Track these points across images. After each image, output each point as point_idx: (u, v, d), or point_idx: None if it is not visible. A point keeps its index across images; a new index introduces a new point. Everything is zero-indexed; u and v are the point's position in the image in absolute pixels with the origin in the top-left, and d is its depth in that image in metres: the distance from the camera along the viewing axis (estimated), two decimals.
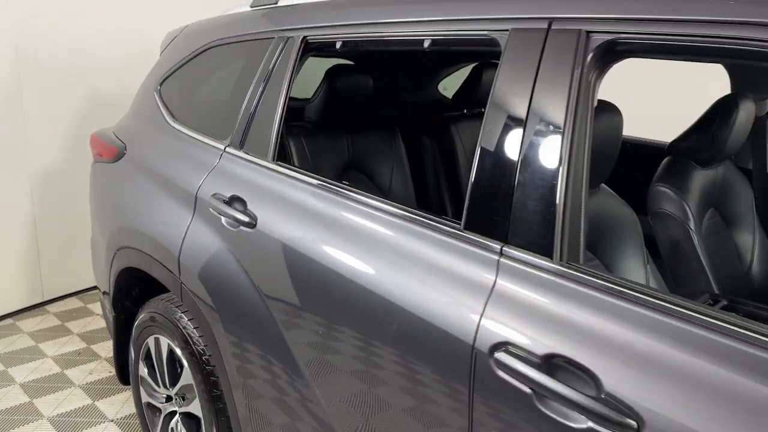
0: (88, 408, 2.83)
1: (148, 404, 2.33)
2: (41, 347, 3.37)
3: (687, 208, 1.93)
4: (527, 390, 1.09)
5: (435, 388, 1.25)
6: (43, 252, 3.77)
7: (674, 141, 2.07)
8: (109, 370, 3.13)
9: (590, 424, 1.01)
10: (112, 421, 2.74)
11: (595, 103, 1.22)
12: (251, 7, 2.12)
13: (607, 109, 1.50)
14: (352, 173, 2.36)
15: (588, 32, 1.18)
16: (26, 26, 3.48)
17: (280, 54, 1.85)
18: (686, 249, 1.93)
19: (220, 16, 2.27)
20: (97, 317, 3.72)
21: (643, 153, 2.47)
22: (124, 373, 2.53)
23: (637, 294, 1.05)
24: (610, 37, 1.15)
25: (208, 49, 2.20)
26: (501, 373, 1.12)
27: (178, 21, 2.73)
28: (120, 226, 2.28)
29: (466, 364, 1.18)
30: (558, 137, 1.17)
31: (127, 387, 2.59)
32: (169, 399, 2.22)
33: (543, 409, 1.07)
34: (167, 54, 2.44)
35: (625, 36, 1.14)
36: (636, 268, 1.67)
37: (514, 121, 1.25)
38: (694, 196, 1.99)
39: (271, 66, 1.88)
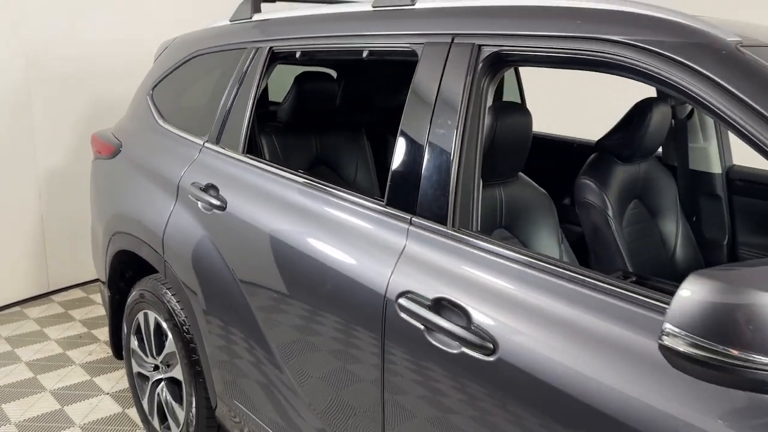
0: (86, 383, 3.12)
1: (138, 374, 2.62)
2: (45, 331, 3.67)
3: (606, 199, 2.21)
4: (420, 326, 1.38)
5: (358, 331, 1.54)
6: (49, 246, 4.08)
7: (600, 139, 2.34)
8: (107, 352, 3.42)
9: (463, 349, 1.30)
10: (107, 394, 3.03)
11: (489, 104, 1.51)
12: (230, 21, 2.42)
13: (515, 110, 1.78)
14: (321, 168, 2.66)
15: (479, 45, 1.47)
16: (35, 38, 3.81)
17: (250, 62, 2.16)
18: (605, 234, 2.20)
19: (204, 29, 2.57)
20: (99, 306, 4.02)
21: (576, 150, 2.75)
22: (118, 349, 2.82)
23: (507, 252, 1.34)
24: (495, 49, 1.44)
25: (193, 57, 2.50)
26: (403, 315, 1.41)
27: (172, 32, 3.03)
28: (114, 213, 2.58)
29: (379, 310, 1.47)
30: (453, 131, 1.46)
31: (121, 362, 2.88)
32: (156, 368, 2.50)
33: (431, 341, 1.36)
34: (159, 62, 2.75)
35: (507, 48, 1.43)
36: (550, 245, 1.94)
37: (422, 118, 1.54)
38: (615, 189, 2.26)
39: (243, 72, 2.18)
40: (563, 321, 1.20)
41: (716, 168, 2.44)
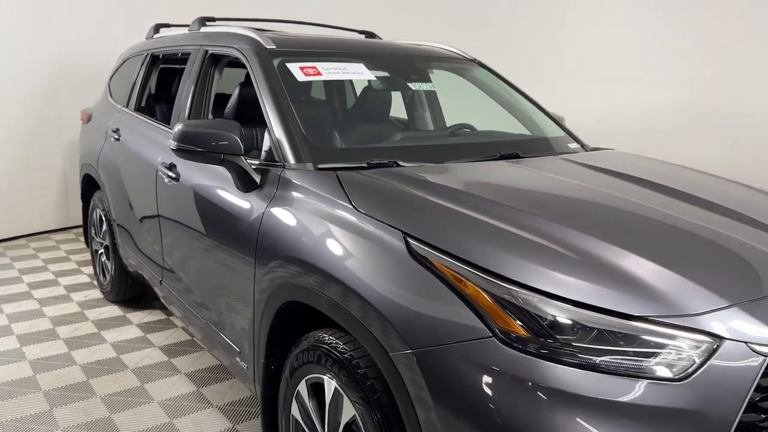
0: (84, 284, 4.88)
1: (96, 251, 4.34)
2: (63, 249, 5.49)
3: None
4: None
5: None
6: (69, 194, 5.93)
7: None
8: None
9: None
10: (91, 281, 4.78)
11: (216, 78, 3.08)
12: (145, 38, 4.12)
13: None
14: None
15: (206, 51, 3.05)
16: (65, 47, 5.67)
17: (143, 62, 3.83)
18: None
19: (133, 45, 4.27)
20: None
21: None
22: (86, 239, 4.56)
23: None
24: (218, 53, 3.01)
25: (126, 60, 4.21)
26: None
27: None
28: (83, 153, 4.36)
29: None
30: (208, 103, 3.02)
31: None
32: (102, 245, 4.20)
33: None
34: (116, 63, 4.48)
35: (219, 51, 3.01)
36: None
37: (199, 86, 3.12)
38: None
39: (140, 68, 3.85)
40: None
41: (431, 126, 3.88)
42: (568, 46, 6.68)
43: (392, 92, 3.19)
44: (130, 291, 4.07)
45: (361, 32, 4.07)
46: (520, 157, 2.58)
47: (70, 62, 5.75)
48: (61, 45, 5.68)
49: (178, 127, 2.33)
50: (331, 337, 1.87)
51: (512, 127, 3.28)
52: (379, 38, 4.01)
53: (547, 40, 6.86)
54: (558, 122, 3.25)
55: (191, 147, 2.29)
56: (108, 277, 4.14)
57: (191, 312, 2.92)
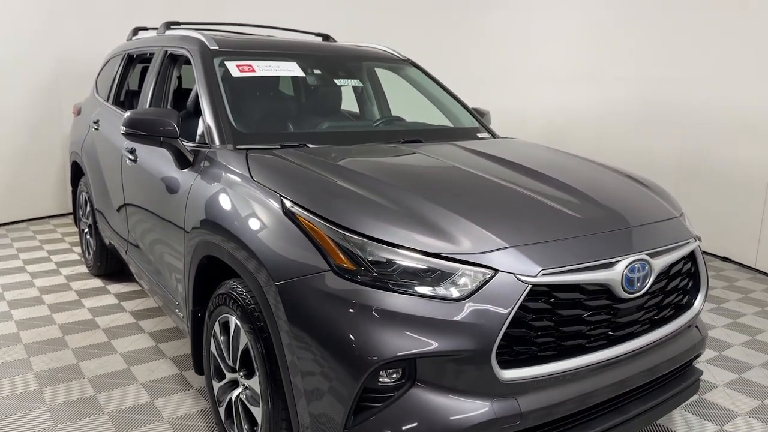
0: (74, 261, 5.40)
1: (82, 230, 4.84)
2: (60, 232, 6.02)
3: None
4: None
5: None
6: (67, 182, 6.43)
7: None
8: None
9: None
10: (71, 245, 5.29)
11: (175, 74, 3.55)
12: (126, 40, 4.61)
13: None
14: None
15: (166, 51, 3.53)
16: (64, 46, 6.21)
17: (121, 61, 4.33)
18: None
19: (121, 44, 4.77)
20: None
21: None
22: (76, 218, 5.07)
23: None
24: (174, 52, 3.49)
25: (110, 60, 4.71)
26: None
27: None
28: (71, 141, 4.85)
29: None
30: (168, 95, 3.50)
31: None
32: (89, 227, 4.71)
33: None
34: (103, 63, 4.98)
35: (174, 51, 3.48)
36: None
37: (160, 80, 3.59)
38: None
39: (119, 66, 4.35)
40: None
41: (378, 116, 4.32)
42: (531, 54, 7.10)
43: (323, 87, 3.63)
44: (111, 266, 4.56)
45: (317, 35, 4.53)
46: (420, 143, 3.03)
47: (69, 61, 6.28)
48: (62, 45, 6.22)
49: (126, 115, 2.80)
50: (234, 284, 2.33)
51: (438, 119, 3.72)
52: (334, 40, 4.47)
53: (515, 49, 7.29)
54: (475, 116, 3.68)
55: (136, 131, 2.77)
56: (91, 253, 4.64)
57: (147, 276, 3.40)
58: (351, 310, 1.84)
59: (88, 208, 4.57)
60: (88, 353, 3.43)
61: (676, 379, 2.42)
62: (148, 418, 2.81)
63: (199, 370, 2.72)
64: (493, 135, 3.52)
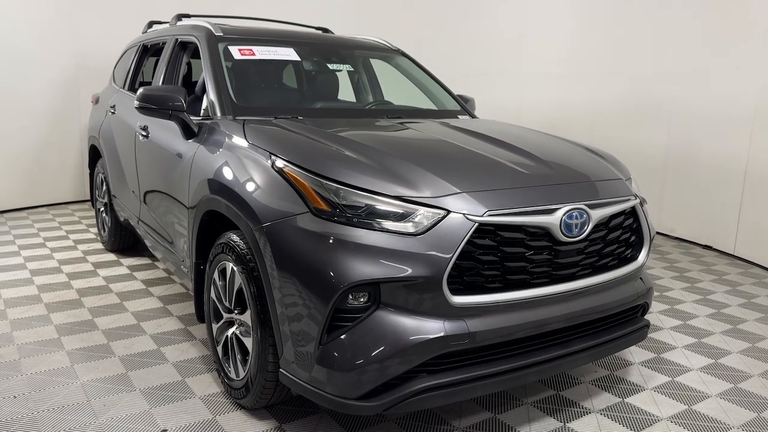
0: (90, 239, 5.78)
1: (98, 209, 5.22)
2: (77, 216, 6.41)
3: None
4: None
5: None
6: (85, 170, 6.84)
7: None
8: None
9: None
10: (87, 226, 5.67)
11: (185, 60, 3.92)
12: (142, 33, 4.99)
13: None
14: None
15: (177, 39, 3.89)
16: (83, 44, 6.62)
17: (136, 52, 4.70)
18: None
19: (137, 36, 5.15)
20: None
21: None
22: (93, 199, 5.45)
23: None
24: (184, 40, 3.85)
25: (127, 51, 5.09)
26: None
27: None
28: (90, 127, 5.24)
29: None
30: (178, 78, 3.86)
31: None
32: (105, 205, 5.08)
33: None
34: (120, 53, 5.36)
35: (184, 38, 3.85)
36: None
37: (171, 63, 3.96)
38: None
39: (133, 57, 4.73)
40: None
41: (370, 101, 4.65)
42: (524, 52, 7.43)
43: (319, 73, 3.99)
44: (124, 241, 4.93)
45: (318, 29, 4.89)
46: (401, 119, 3.37)
47: (87, 56, 6.69)
48: (80, 42, 6.63)
49: (140, 91, 3.16)
50: (230, 234, 2.66)
51: (424, 103, 4.05)
52: (332, 33, 4.82)
53: (508, 45, 7.63)
54: (458, 100, 4.01)
55: (148, 105, 3.12)
56: (106, 229, 5.01)
57: (157, 241, 3.75)
58: (325, 244, 2.17)
59: (104, 188, 4.94)
60: (102, 311, 3.78)
61: (622, 324, 2.72)
62: (154, 361, 3.15)
63: (201, 318, 3.05)
64: (472, 116, 3.85)
